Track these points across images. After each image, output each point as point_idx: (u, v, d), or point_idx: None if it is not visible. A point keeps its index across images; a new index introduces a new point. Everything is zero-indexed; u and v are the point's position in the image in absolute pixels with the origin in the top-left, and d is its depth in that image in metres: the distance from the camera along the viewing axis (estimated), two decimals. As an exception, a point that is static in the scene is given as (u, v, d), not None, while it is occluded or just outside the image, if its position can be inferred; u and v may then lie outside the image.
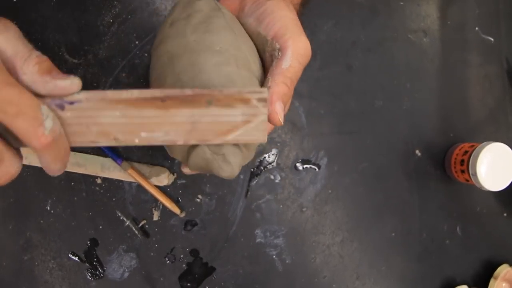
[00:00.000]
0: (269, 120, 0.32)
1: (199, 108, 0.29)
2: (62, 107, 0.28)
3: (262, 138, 0.30)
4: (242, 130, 0.30)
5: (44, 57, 0.27)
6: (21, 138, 0.26)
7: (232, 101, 0.29)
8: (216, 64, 0.33)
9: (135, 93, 0.29)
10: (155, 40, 0.36)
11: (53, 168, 0.28)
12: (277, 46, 0.34)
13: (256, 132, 0.30)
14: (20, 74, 0.27)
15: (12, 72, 0.26)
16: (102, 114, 0.29)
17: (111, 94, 0.28)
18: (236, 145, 0.33)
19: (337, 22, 0.58)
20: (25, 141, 0.26)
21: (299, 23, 0.35)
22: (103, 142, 0.29)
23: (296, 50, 0.34)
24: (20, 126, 0.25)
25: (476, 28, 0.62)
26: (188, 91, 0.29)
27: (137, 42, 0.54)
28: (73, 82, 0.27)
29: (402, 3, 0.60)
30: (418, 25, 0.60)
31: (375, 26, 0.59)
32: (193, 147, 0.33)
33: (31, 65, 0.27)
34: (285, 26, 0.34)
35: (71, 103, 0.28)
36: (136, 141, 0.30)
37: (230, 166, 0.33)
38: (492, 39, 0.62)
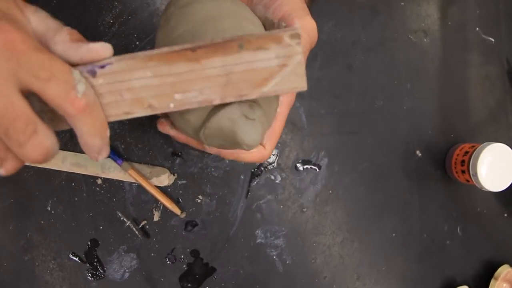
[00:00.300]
0: None
1: (231, 55, 0.28)
2: (93, 73, 0.28)
3: (302, 83, 0.29)
4: (279, 78, 0.29)
5: (75, 30, 0.28)
6: (54, 103, 0.26)
7: (264, 42, 0.28)
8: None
9: (164, 48, 0.28)
10: (178, 1, 0.35)
11: (91, 143, 0.28)
12: (283, 24, 0.34)
13: (294, 77, 0.29)
14: (52, 45, 0.27)
15: (44, 46, 0.27)
16: (133, 77, 0.28)
17: (141, 53, 0.28)
18: (262, 111, 0.32)
19: (337, 22, 0.58)
20: (58, 106, 0.26)
21: (306, 7, 0.36)
22: (138, 112, 0.29)
23: (303, 24, 0.34)
24: (52, 90, 0.25)
25: (477, 29, 0.62)
26: (218, 39, 0.28)
27: (137, 43, 0.54)
28: (104, 46, 0.28)
29: (402, 3, 0.60)
30: (418, 25, 0.60)
31: (375, 26, 0.59)
32: (219, 107, 0.31)
33: (63, 35, 0.27)
34: (291, 8, 0.35)
35: (102, 66, 0.28)
36: (172, 106, 0.29)
37: (257, 133, 0.31)
38: (492, 40, 0.62)
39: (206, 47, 0.28)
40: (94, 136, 0.28)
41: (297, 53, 0.28)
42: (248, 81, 0.29)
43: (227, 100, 0.29)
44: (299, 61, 0.28)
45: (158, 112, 0.29)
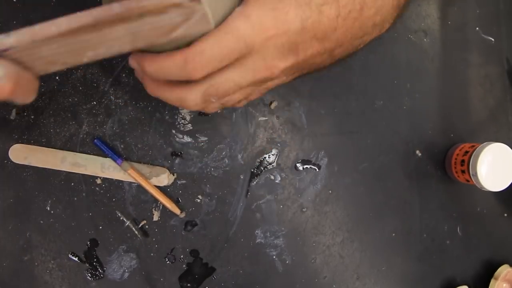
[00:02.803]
0: None
1: (133, 23, 0.29)
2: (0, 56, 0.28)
3: (208, 26, 0.30)
4: (185, 27, 0.30)
5: None
6: None
7: (163, 9, 0.29)
8: None
9: (63, 25, 0.29)
10: None
11: (25, 100, 0.30)
12: None
13: (200, 25, 0.30)
14: None
15: None
16: (40, 51, 0.29)
17: (40, 32, 0.28)
18: None
19: (338, 22, 0.58)
20: None
21: None
22: (55, 68, 0.30)
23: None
24: None
25: (477, 28, 0.62)
26: (116, 8, 0.28)
27: (137, 42, 0.53)
28: (2, 38, 0.28)
29: (402, 3, 0.60)
30: (418, 25, 0.60)
31: (375, 26, 0.59)
32: None
33: None
34: None
35: (5, 50, 0.28)
36: (85, 60, 0.30)
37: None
38: (492, 39, 0.62)
39: (105, 22, 0.29)
40: (27, 96, 0.30)
41: (199, 10, 0.30)
42: (155, 33, 0.30)
43: (138, 48, 0.31)
44: (201, 16, 0.30)
45: (74, 65, 0.31)
